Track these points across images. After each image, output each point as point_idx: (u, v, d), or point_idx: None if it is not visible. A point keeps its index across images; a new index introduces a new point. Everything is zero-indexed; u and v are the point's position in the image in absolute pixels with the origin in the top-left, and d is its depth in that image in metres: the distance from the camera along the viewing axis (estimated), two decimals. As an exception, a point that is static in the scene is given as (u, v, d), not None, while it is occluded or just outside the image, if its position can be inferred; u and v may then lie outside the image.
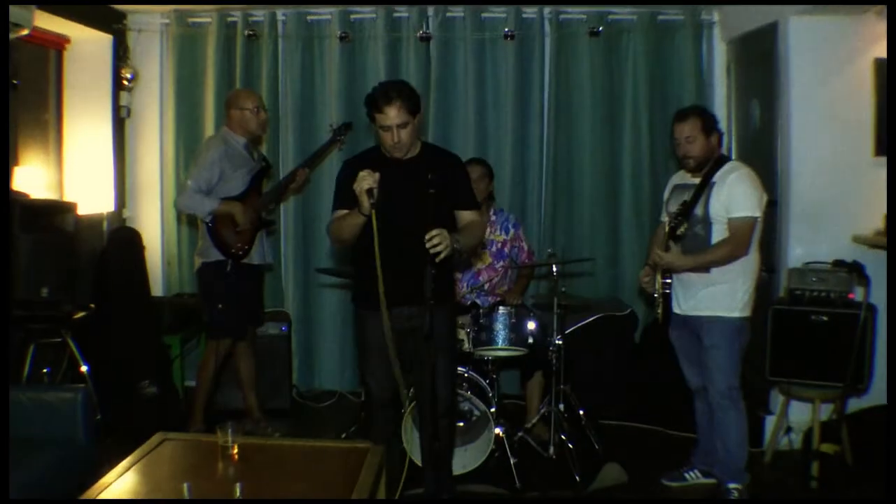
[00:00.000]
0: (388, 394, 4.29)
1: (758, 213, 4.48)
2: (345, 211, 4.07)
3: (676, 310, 4.76)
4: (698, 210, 4.56)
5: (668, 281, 4.70)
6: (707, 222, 4.55)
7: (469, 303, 5.65)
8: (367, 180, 3.84)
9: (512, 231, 5.84)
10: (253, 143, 5.62)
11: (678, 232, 4.35)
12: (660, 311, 4.77)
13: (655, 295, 4.79)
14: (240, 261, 5.46)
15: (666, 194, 4.99)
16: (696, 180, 4.65)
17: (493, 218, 5.83)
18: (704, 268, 4.55)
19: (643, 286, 4.93)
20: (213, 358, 5.61)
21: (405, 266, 3.95)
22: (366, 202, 3.84)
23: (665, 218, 4.90)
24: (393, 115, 3.93)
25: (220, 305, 5.50)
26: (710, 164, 4.60)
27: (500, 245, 5.80)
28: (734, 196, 4.47)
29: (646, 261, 4.97)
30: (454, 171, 4.20)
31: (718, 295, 4.56)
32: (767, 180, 4.71)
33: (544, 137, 6.67)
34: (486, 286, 5.76)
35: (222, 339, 5.63)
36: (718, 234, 4.53)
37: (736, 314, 4.58)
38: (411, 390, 4.64)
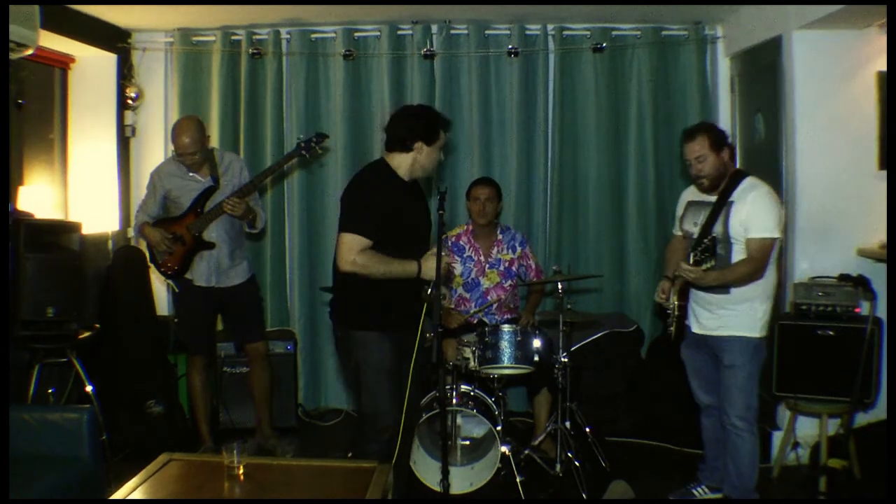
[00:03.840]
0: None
1: (777, 234, 4.37)
2: (377, 248, 4.02)
3: (695, 329, 4.71)
4: (718, 229, 4.47)
5: (684, 304, 4.67)
6: (728, 242, 4.45)
7: (476, 321, 5.65)
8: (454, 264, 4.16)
9: (519, 249, 5.85)
10: (200, 164, 5.52)
11: (704, 267, 4.22)
12: (673, 328, 4.73)
13: (669, 311, 4.73)
14: (176, 279, 5.59)
15: (679, 210, 4.92)
16: (712, 198, 4.56)
17: (500, 237, 5.84)
18: (725, 287, 4.46)
19: (658, 300, 4.80)
20: (190, 374, 5.77)
21: (415, 289, 4.11)
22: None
23: (678, 232, 4.89)
24: None
25: (175, 320, 5.98)
26: (725, 181, 4.52)
27: (507, 264, 5.80)
28: (753, 216, 4.36)
29: (664, 273, 4.88)
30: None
31: (739, 315, 4.49)
32: (772, 194, 4.70)
33: (549, 153, 6.67)
34: (495, 305, 5.76)
35: (190, 356, 5.78)
36: (739, 253, 4.43)
37: (756, 333, 4.52)
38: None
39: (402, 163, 4.14)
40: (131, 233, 6.76)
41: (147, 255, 5.77)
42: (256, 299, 5.95)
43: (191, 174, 5.48)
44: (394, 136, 4.14)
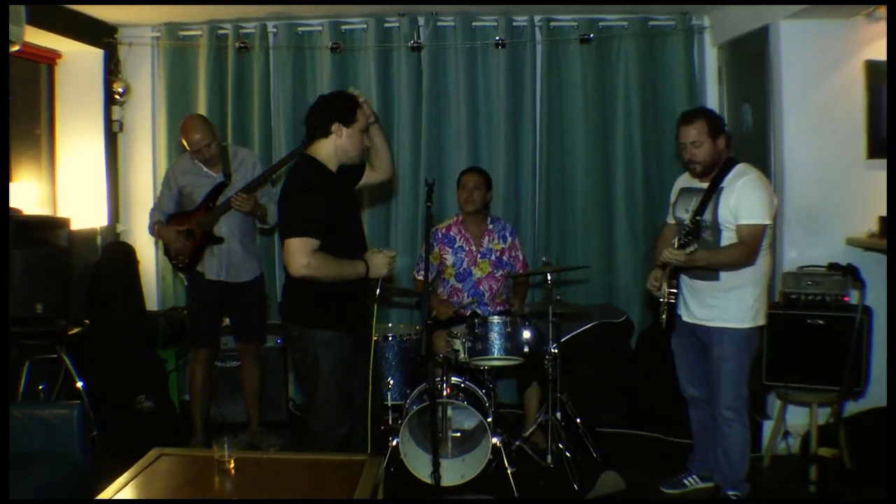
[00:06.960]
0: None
1: (767, 221, 4.32)
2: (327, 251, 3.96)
3: (685, 317, 4.70)
4: (707, 216, 4.45)
5: (674, 291, 4.65)
6: (717, 228, 4.42)
7: (469, 312, 5.65)
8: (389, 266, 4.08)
9: (510, 239, 5.87)
10: (215, 160, 5.53)
11: (687, 251, 4.15)
12: (664, 317, 4.71)
13: (661, 300, 4.70)
14: (187, 272, 5.68)
15: (673, 197, 4.90)
16: (704, 184, 4.53)
17: (491, 226, 5.85)
18: (714, 269, 4.43)
19: (650, 289, 4.77)
20: (193, 366, 5.79)
21: (362, 285, 4.12)
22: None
23: (671, 220, 4.88)
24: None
25: (185, 312, 6.13)
26: (718, 168, 4.47)
27: (498, 253, 5.81)
28: (743, 202, 4.31)
29: (655, 263, 4.83)
30: None
31: (729, 304, 4.46)
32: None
33: (537, 145, 6.66)
34: (487, 295, 5.76)
35: (195, 348, 5.80)
36: (727, 240, 4.40)
37: (746, 324, 4.48)
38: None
39: (326, 151, 4.07)
40: (120, 228, 6.77)
41: (137, 250, 5.79)
42: (261, 300, 5.94)
43: (204, 170, 5.51)
44: (312, 124, 4.10)
